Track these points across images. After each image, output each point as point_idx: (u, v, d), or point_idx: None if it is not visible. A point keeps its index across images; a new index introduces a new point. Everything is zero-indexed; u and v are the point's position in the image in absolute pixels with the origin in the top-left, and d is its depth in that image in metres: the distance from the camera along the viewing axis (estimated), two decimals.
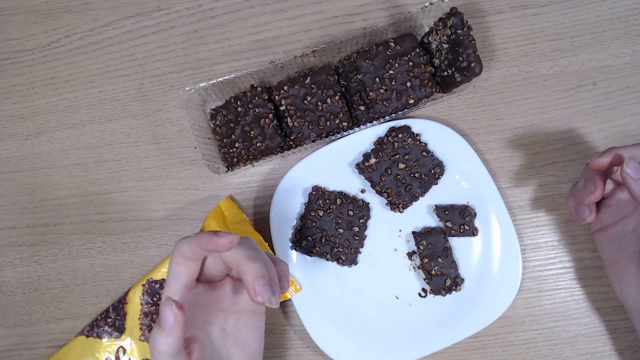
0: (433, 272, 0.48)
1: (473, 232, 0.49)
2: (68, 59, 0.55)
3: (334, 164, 0.51)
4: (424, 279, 0.49)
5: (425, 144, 0.50)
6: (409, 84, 0.48)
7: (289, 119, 0.49)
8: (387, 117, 0.50)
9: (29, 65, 0.56)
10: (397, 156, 0.49)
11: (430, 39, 0.48)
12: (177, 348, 0.33)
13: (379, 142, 0.50)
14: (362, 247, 0.50)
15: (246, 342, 0.39)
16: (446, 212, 0.49)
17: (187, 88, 0.49)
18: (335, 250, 0.49)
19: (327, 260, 0.50)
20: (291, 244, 0.50)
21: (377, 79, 0.48)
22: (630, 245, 0.43)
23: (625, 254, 0.43)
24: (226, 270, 0.39)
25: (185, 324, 0.33)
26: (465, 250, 0.50)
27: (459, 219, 0.49)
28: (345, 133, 0.50)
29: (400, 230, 0.51)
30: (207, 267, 0.38)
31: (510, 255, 0.49)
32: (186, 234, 0.53)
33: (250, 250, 0.35)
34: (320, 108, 0.49)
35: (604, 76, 0.52)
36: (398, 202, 0.49)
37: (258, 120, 0.49)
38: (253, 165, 0.51)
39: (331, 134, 0.50)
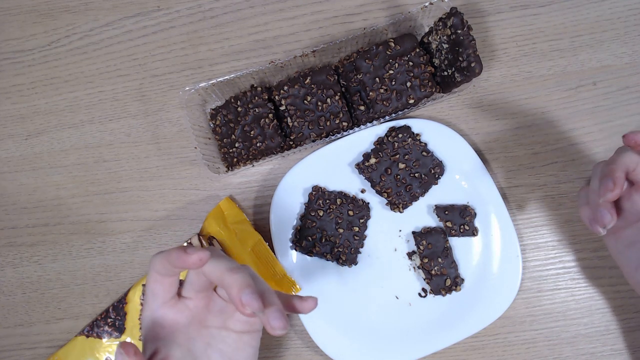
0: (433, 272, 0.48)
1: (473, 232, 0.49)
2: (68, 59, 0.55)
3: (334, 164, 0.51)
4: (424, 279, 0.49)
5: (425, 144, 0.50)
6: (409, 84, 0.48)
7: (289, 119, 0.49)
8: (387, 117, 0.50)
9: (29, 65, 0.56)
10: (397, 156, 0.49)
11: (430, 39, 0.48)
12: None
13: (379, 142, 0.50)
14: (362, 247, 0.50)
15: (234, 357, 0.37)
16: (446, 212, 0.49)
17: (187, 88, 0.49)
18: (335, 250, 0.49)
19: (327, 260, 0.50)
20: (291, 244, 0.50)
21: (377, 79, 0.48)
22: None
23: None
24: (211, 284, 0.37)
25: None
26: (465, 250, 0.50)
27: (459, 219, 0.49)
28: (345, 133, 0.50)
29: (400, 230, 0.51)
30: (190, 282, 0.36)
31: (510, 255, 0.49)
32: (186, 234, 0.53)
33: (229, 262, 0.33)
34: (320, 108, 0.49)
35: (604, 76, 0.52)
36: (398, 202, 0.49)
37: (258, 120, 0.49)
38: (253, 165, 0.51)
39: (331, 134, 0.50)
